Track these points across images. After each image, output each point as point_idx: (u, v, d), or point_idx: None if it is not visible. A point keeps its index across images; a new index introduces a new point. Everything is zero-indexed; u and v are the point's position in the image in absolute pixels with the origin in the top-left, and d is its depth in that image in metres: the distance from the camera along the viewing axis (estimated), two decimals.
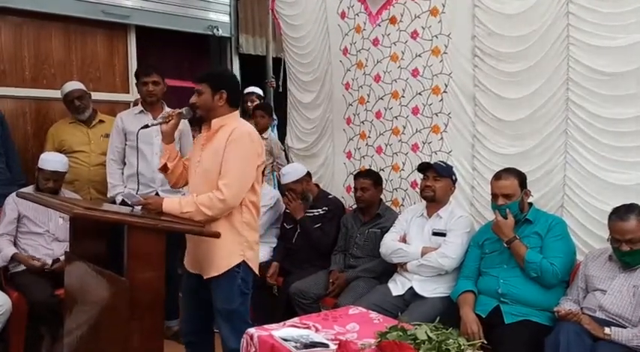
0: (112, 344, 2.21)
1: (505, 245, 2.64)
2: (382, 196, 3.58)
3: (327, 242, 3.54)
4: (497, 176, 2.72)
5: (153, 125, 2.64)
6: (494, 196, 2.70)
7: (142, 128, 2.70)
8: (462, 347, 1.83)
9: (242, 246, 2.47)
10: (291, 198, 3.61)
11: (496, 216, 2.67)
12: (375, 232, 3.35)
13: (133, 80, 4.36)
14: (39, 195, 2.91)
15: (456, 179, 3.12)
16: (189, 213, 2.35)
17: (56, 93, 3.86)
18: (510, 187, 2.66)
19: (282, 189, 3.93)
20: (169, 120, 2.54)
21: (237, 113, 2.55)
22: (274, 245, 3.84)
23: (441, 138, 3.35)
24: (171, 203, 2.39)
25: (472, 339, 2.24)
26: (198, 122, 2.77)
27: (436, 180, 3.02)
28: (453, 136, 3.29)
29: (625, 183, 2.58)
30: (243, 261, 2.47)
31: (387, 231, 3.22)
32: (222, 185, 2.36)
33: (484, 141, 3.11)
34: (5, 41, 3.86)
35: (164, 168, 2.59)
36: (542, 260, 2.55)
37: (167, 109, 3.58)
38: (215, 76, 2.53)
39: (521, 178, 2.70)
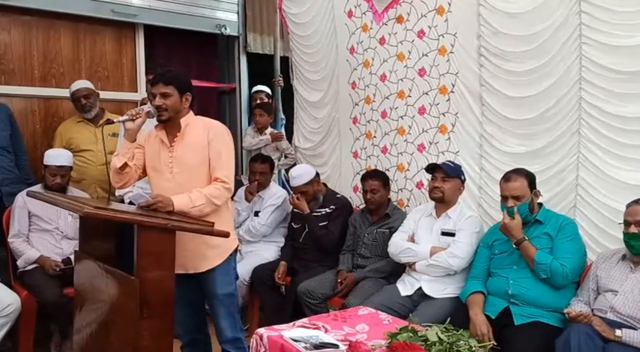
0: (122, 343, 2.22)
1: (514, 246, 2.63)
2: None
3: (331, 240, 3.53)
4: (507, 177, 2.69)
5: (119, 122, 2.60)
6: (504, 198, 2.68)
7: (105, 124, 2.69)
8: (474, 348, 1.82)
9: (233, 231, 2.64)
10: (297, 198, 3.61)
11: (504, 217, 2.66)
12: (383, 232, 3.34)
13: (140, 79, 4.39)
14: (49, 193, 2.92)
15: (464, 179, 3.11)
16: (201, 205, 2.43)
17: (65, 92, 3.87)
18: (520, 189, 2.64)
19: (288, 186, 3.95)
20: (137, 118, 2.52)
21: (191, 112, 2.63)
22: (281, 244, 3.84)
23: (448, 138, 3.33)
24: (182, 199, 2.41)
25: (482, 340, 2.23)
26: None
27: (445, 181, 3.00)
28: (460, 136, 3.27)
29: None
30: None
31: (395, 231, 3.21)
32: (224, 176, 2.50)
33: (492, 140, 3.09)
34: (14, 40, 3.87)
35: (123, 168, 2.54)
36: (553, 261, 2.54)
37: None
38: (181, 79, 2.55)
39: (531, 179, 2.68)
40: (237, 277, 2.74)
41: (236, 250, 2.68)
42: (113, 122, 2.63)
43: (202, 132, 2.53)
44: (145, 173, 2.65)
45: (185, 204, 2.40)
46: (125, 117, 2.54)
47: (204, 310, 2.78)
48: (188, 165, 2.51)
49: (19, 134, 3.64)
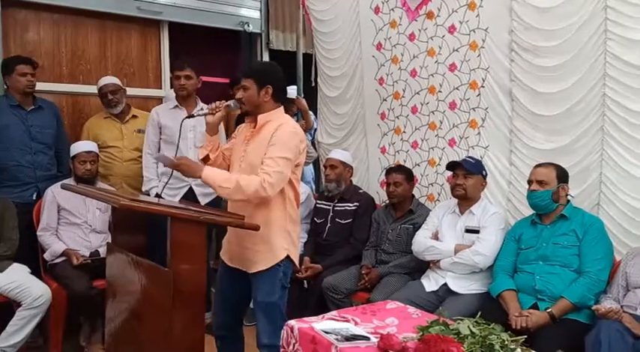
0: (154, 334, 2.24)
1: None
2: (418, 191, 3.57)
3: (363, 237, 3.55)
4: (538, 165, 2.76)
5: (198, 115, 2.61)
6: (529, 182, 2.73)
7: (186, 117, 2.72)
8: (506, 342, 1.81)
9: (287, 240, 2.47)
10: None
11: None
12: (407, 228, 3.34)
13: (165, 76, 4.44)
14: (83, 186, 2.96)
15: (486, 174, 3.09)
16: (228, 189, 2.29)
17: (92, 89, 3.92)
18: (546, 175, 2.67)
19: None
20: (216, 112, 2.51)
21: (282, 108, 2.51)
22: (304, 240, 3.85)
23: (479, 133, 3.32)
24: (213, 173, 2.33)
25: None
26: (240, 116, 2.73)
27: (466, 178, 3.00)
28: (490, 131, 3.27)
29: None
30: (287, 256, 2.47)
31: (419, 228, 3.21)
32: (263, 173, 2.31)
33: (521, 136, 3.08)
34: (44, 37, 3.93)
35: (205, 160, 2.56)
36: (583, 286, 2.52)
37: (201, 104, 3.63)
38: (261, 71, 2.49)
39: (560, 171, 2.70)
40: (285, 286, 2.53)
41: (289, 260, 2.50)
42: (194, 116, 2.63)
43: (271, 132, 2.40)
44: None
45: (216, 178, 2.31)
46: (205, 110, 2.53)
47: (241, 311, 2.72)
48: (252, 163, 2.40)
49: (64, 131, 3.72)
